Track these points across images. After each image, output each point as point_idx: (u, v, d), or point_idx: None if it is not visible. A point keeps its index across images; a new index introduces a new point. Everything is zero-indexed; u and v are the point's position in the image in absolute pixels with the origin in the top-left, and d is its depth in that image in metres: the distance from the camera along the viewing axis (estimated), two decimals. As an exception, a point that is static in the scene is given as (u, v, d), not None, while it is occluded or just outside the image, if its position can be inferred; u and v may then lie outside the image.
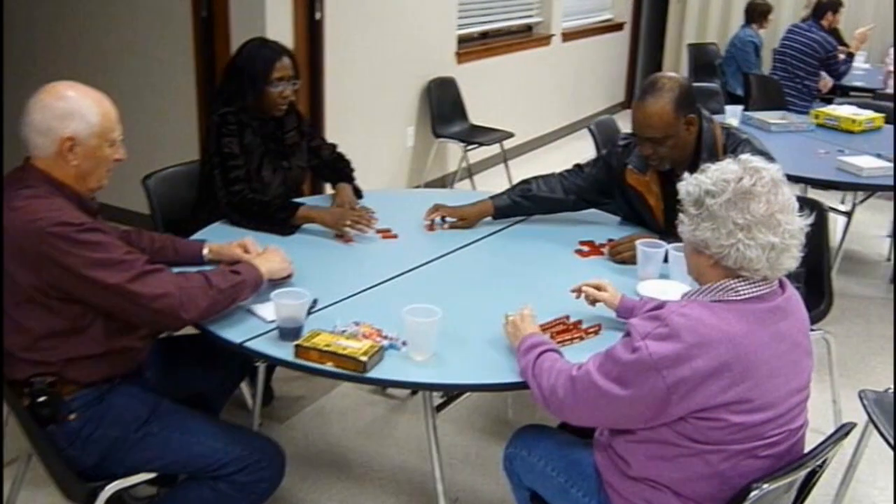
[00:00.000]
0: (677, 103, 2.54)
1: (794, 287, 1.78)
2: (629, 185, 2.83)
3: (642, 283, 2.38)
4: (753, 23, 7.06)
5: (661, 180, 2.76)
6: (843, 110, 4.77)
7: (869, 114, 4.72)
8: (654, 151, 2.61)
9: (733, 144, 2.64)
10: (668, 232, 2.57)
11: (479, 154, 6.01)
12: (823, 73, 6.33)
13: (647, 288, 2.33)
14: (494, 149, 5.89)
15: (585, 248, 2.73)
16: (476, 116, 5.93)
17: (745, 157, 1.74)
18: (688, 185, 1.76)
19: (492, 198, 2.95)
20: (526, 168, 6.50)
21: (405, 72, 5.46)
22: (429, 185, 5.81)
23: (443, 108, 5.69)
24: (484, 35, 6.56)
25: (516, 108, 6.78)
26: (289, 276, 2.37)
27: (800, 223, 1.69)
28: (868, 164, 3.82)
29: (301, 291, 2.12)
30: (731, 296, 1.68)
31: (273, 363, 2.25)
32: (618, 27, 8.69)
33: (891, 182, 3.74)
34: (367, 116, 5.18)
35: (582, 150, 5.74)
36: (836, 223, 4.33)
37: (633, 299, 2.21)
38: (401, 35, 5.34)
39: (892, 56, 6.47)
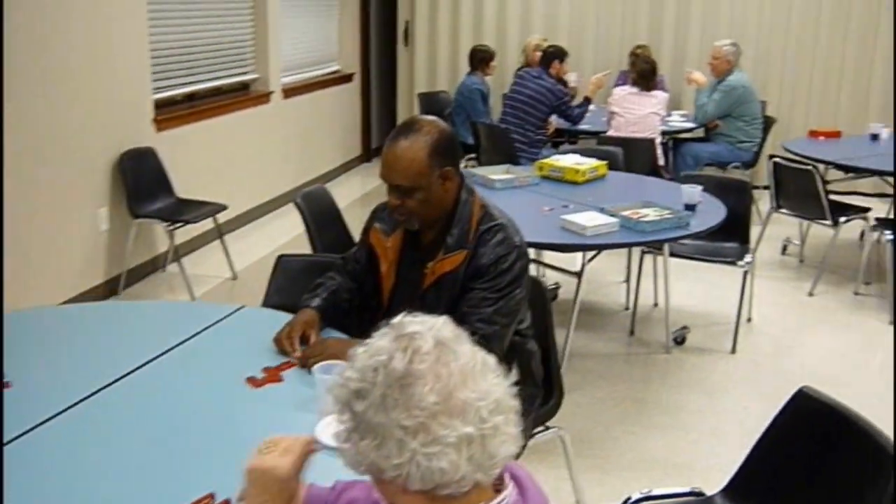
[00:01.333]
0: (433, 150, 2.23)
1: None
2: (371, 246, 2.47)
3: (322, 423, 1.83)
4: (477, 70, 6.90)
5: (402, 246, 2.41)
6: (566, 160, 4.56)
7: (591, 162, 4.54)
8: (402, 203, 2.27)
9: (487, 226, 2.33)
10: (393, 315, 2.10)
11: (190, 231, 5.33)
12: (553, 117, 6.23)
13: (327, 432, 1.77)
14: (208, 223, 5.23)
15: (260, 375, 2.17)
16: (185, 189, 5.25)
17: (398, 320, 1.21)
18: (334, 385, 1.21)
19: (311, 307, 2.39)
20: (246, 242, 5.88)
21: (91, 145, 4.70)
22: (132, 272, 5.04)
23: (140, 182, 4.96)
24: (190, 97, 5.90)
25: (233, 176, 6.16)
26: None
27: (500, 387, 1.17)
28: (592, 221, 3.56)
29: None
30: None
31: None
32: (347, 78, 8.31)
33: (615, 240, 3.49)
34: (48, 200, 4.38)
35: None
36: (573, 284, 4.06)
37: (322, 490, 1.53)
38: (83, 102, 4.59)
39: (615, 97, 6.46)
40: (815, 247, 5.89)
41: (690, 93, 7.02)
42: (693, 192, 3.89)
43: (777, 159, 5.21)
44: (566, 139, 6.70)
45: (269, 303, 2.79)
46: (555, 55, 6.21)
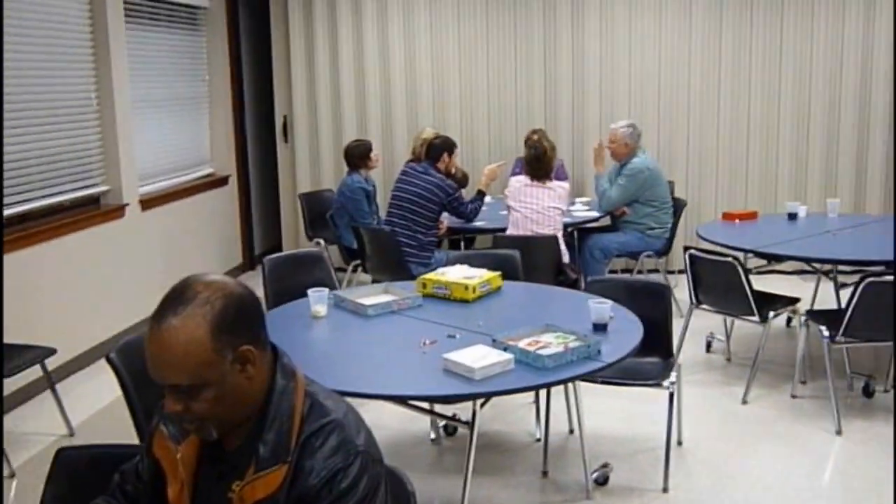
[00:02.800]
0: (217, 326, 1.55)
1: None
2: (156, 459, 1.71)
3: None
4: (359, 167, 6.24)
5: (198, 459, 1.67)
6: (453, 273, 3.88)
7: (483, 275, 3.86)
8: (186, 408, 1.55)
9: (315, 426, 1.62)
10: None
11: (12, 382, 4.43)
12: (445, 215, 5.60)
13: None
14: (36, 371, 4.34)
15: None
16: (15, 330, 4.39)
17: None
18: None
19: None
20: (91, 386, 4.97)
21: None
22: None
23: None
24: (23, 218, 5.05)
25: (74, 308, 5.29)
26: None
27: None
28: (481, 359, 2.84)
29: None
30: None
31: None
32: (221, 182, 7.56)
33: (511, 384, 2.78)
34: None
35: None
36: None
37: None
38: None
39: (510, 189, 5.86)
40: (741, 341, 5.33)
41: (594, 178, 6.49)
42: (602, 309, 3.23)
43: (693, 251, 4.65)
44: (462, 237, 6.05)
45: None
46: (442, 147, 5.61)
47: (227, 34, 7.52)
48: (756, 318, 4.48)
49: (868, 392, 4.55)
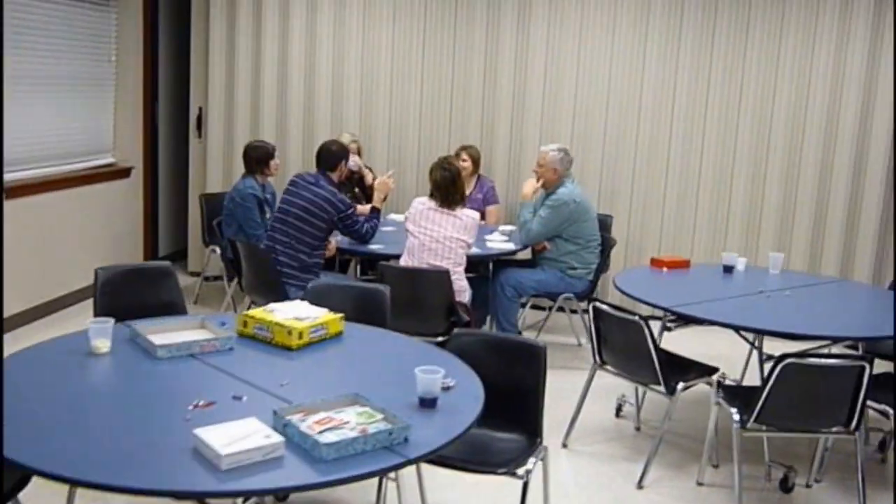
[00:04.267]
0: None
1: None
2: None
3: None
4: (254, 173, 5.54)
5: None
6: (284, 311, 3.19)
7: (319, 317, 3.18)
8: None
9: None
10: None
11: None
12: (336, 234, 4.94)
13: None
14: None
15: None
16: None
17: None
18: None
19: None
20: None
21: None
22: None
23: None
24: None
25: None
26: None
27: None
28: (237, 442, 2.15)
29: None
30: None
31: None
32: (124, 173, 6.85)
33: (260, 483, 2.09)
34: None
35: None
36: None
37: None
38: None
39: (411, 210, 5.21)
40: (657, 406, 4.66)
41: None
42: (430, 381, 2.54)
43: (597, 303, 3.98)
44: (356, 260, 5.36)
45: None
46: (340, 155, 4.94)
47: (142, 12, 6.83)
48: (661, 388, 3.81)
49: (786, 486, 3.88)
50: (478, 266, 5.37)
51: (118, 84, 6.77)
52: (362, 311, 3.64)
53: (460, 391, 2.69)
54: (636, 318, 3.74)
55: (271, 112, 6.81)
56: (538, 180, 5.35)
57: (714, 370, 4.00)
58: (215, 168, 6.97)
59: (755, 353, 4.27)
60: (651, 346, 3.74)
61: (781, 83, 6.21)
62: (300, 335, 3.04)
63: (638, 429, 4.51)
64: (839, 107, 6.17)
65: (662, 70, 6.33)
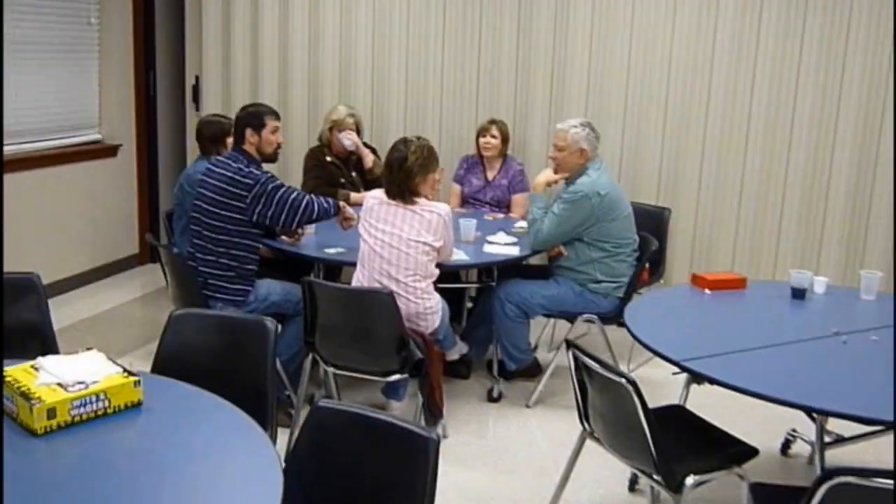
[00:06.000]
0: None
1: None
2: None
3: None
4: (209, 154, 4.54)
5: None
6: (51, 370, 2.17)
7: (98, 377, 2.14)
8: None
9: None
10: None
11: None
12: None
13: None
14: None
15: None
16: None
17: None
18: None
19: None
20: None
21: None
22: None
23: None
24: None
25: None
26: None
27: None
28: None
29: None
30: None
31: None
32: (110, 151, 6.03)
33: None
34: None
35: None
36: None
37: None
38: None
39: (367, 204, 4.08)
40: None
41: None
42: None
43: (576, 350, 2.77)
44: (317, 268, 4.25)
45: None
46: (246, 122, 3.80)
47: (131, -33, 5.97)
48: (658, 478, 2.59)
49: None
50: (481, 274, 4.25)
51: (102, 51, 5.93)
52: (240, 352, 2.62)
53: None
54: (623, 380, 2.53)
55: (270, 78, 5.82)
56: (555, 171, 4.13)
57: (749, 453, 2.73)
58: (213, 147, 6.04)
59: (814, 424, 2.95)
60: (644, 420, 2.52)
61: (854, 36, 4.74)
62: (50, 413, 2.01)
63: (654, 512, 3.29)
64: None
65: (741, 28, 4.95)
